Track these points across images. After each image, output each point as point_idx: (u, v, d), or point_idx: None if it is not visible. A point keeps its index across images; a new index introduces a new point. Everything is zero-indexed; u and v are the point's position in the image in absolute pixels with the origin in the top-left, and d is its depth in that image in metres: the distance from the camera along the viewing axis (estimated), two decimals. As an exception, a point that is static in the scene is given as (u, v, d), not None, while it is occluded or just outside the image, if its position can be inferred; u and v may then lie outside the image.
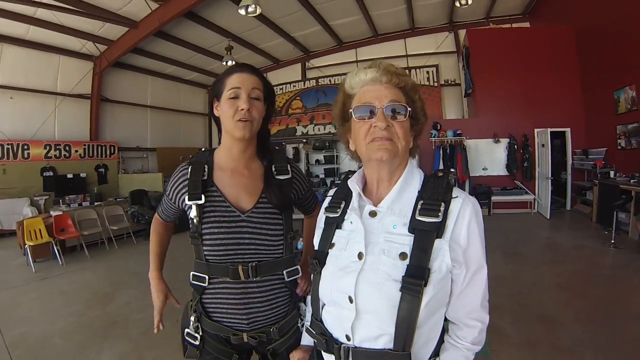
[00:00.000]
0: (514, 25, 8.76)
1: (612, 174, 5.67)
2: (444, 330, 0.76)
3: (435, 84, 9.55)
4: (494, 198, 7.23)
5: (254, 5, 6.00)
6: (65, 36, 7.45)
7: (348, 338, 0.72)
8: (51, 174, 7.86)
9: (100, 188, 8.43)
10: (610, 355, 2.19)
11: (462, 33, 8.88)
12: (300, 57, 11.09)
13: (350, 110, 0.76)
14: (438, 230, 0.68)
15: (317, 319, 0.83)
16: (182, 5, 6.60)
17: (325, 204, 0.88)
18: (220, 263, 0.98)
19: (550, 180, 6.48)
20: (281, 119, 10.72)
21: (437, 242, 0.68)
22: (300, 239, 1.65)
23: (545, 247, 4.95)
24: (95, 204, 6.32)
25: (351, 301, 0.70)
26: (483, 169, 7.60)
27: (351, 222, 0.78)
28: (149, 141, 10.63)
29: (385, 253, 0.70)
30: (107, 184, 8.85)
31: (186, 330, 1.05)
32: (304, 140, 10.38)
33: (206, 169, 1.02)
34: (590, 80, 6.80)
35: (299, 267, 1.07)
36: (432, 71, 9.59)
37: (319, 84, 10.56)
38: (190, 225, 1.01)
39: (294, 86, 10.90)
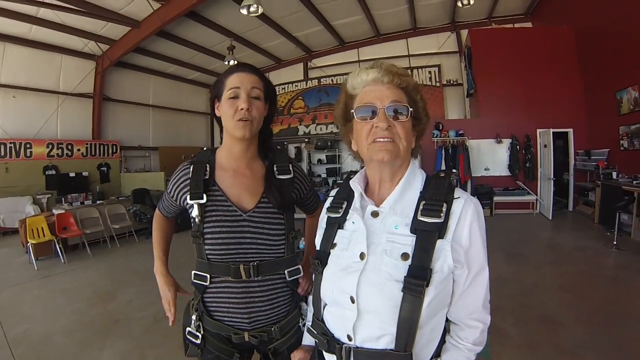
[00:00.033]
0: (516, 25, 8.73)
1: (614, 175, 5.65)
2: (446, 330, 0.75)
3: (438, 84, 9.54)
4: (496, 198, 7.21)
5: (255, 5, 6.00)
6: (68, 35, 7.48)
7: (349, 338, 0.72)
8: (53, 172, 7.90)
9: (103, 187, 8.49)
10: (612, 356, 2.18)
11: (464, 33, 8.87)
12: (302, 56, 11.09)
13: (352, 110, 0.76)
14: (440, 230, 0.68)
15: (318, 318, 0.83)
16: (184, 5, 6.61)
17: (327, 204, 0.88)
18: (221, 262, 0.98)
19: (552, 181, 6.45)
20: (283, 119, 10.75)
21: (439, 242, 0.68)
22: (302, 238, 1.65)
23: (547, 248, 4.93)
24: (98, 202, 6.35)
25: (353, 301, 0.70)
26: (485, 170, 7.58)
27: (353, 222, 0.78)
28: (151, 140, 10.65)
29: (387, 253, 0.70)
30: (109, 183, 8.89)
31: (187, 329, 1.05)
32: (306, 140, 10.40)
33: (208, 169, 1.02)
34: (592, 80, 6.77)
35: (300, 266, 1.07)
36: (434, 71, 9.57)
37: (321, 83, 10.57)
38: (192, 225, 1.01)
39: (296, 86, 10.91)
